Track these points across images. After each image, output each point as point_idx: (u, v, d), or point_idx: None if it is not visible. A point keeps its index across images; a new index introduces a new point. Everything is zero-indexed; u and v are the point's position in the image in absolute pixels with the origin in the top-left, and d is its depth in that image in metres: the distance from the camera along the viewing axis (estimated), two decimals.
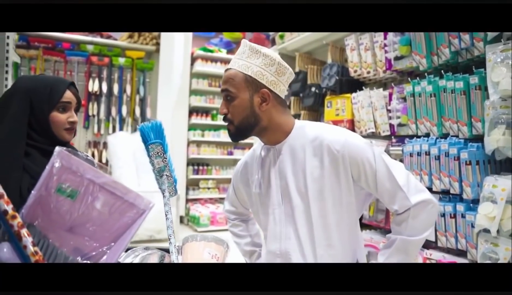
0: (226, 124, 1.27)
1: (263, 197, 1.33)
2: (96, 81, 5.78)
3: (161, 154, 1.21)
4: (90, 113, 5.79)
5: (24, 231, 0.65)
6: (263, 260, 1.47)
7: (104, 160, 5.81)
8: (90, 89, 5.73)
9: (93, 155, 5.77)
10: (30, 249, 0.65)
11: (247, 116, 1.23)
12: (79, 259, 0.85)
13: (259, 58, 1.22)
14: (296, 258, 1.24)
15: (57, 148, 0.82)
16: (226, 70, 1.27)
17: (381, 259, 1.24)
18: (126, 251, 1.07)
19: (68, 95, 1.34)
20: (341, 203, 1.23)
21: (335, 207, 1.22)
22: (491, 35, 1.69)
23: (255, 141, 1.41)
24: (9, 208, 0.65)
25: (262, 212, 1.36)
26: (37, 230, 0.78)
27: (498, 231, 1.64)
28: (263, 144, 1.34)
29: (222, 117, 1.28)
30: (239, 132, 1.25)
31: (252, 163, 1.40)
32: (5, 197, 0.65)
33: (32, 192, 0.79)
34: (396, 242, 1.21)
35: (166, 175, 1.23)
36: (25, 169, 1.19)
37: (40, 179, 0.80)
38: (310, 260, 1.23)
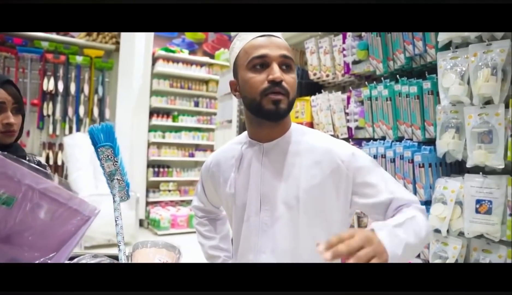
0: (278, 95, 1.02)
1: (238, 200, 1.16)
2: (52, 79, 5.55)
3: (111, 157, 1.16)
4: (45, 113, 5.55)
5: None
6: None
7: (59, 163, 5.59)
8: (45, 88, 5.49)
9: (48, 157, 5.54)
10: None
11: (295, 95, 1.08)
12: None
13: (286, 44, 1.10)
14: None
15: None
16: (276, 36, 1.08)
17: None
18: (72, 259, 1.01)
19: (2, 94, 1.24)
20: (333, 220, 1.08)
21: (326, 223, 1.08)
22: (441, 42, 1.75)
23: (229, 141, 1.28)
24: None
25: (234, 217, 1.19)
26: None
27: (447, 231, 1.70)
28: (246, 139, 1.18)
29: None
30: (289, 108, 1.06)
31: (227, 160, 1.22)
32: None
33: None
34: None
35: (117, 179, 1.18)
36: None
37: None
38: None
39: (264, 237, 1.09)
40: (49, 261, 0.83)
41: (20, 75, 5.39)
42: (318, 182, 1.06)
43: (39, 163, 1.35)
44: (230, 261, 1.34)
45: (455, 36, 1.71)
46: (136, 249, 1.03)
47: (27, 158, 1.34)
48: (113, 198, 1.15)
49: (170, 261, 0.98)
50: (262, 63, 1.04)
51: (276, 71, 1.01)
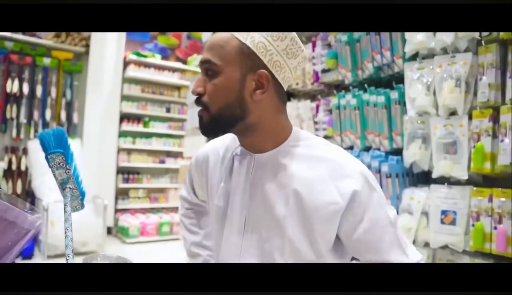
0: (199, 108, 0.90)
1: (222, 216, 0.99)
2: (16, 81, 5.33)
3: (63, 164, 1.09)
4: (8, 116, 5.32)
5: None
6: None
7: (23, 167, 5.37)
8: (8, 90, 5.27)
9: (10, 161, 5.31)
10: None
11: (231, 103, 0.86)
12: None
13: None
14: None
15: None
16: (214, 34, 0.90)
17: None
18: None
19: None
20: (317, 254, 0.89)
21: (311, 255, 0.89)
22: (408, 53, 1.76)
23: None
24: None
25: (215, 231, 1.03)
26: None
27: (414, 242, 1.70)
28: (238, 144, 0.99)
29: (194, 98, 0.90)
30: (215, 124, 0.89)
31: (217, 161, 1.04)
32: None
33: None
34: None
35: (70, 187, 1.11)
36: None
37: None
38: None
39: (244, 259, 0.94)
40: None
41: None
42: (304, 212, 0.87)
43: None
44: (212, 261, 1.18)
45: (422, 47, 1.73)
46: (85, 263, 0.96)
47: None
48: (64, 208, 1.08)
49: None
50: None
51: (194, 84, 0.89)
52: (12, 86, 5.29)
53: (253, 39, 0.86)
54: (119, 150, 6.09)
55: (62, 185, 1.11)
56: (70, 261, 0.96)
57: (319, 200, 0.86)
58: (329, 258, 0.91)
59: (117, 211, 6.08)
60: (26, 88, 5.39)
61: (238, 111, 0.87)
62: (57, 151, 1.07)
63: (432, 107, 1.68)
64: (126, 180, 6.13)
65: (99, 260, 0.94)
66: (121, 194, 6.14)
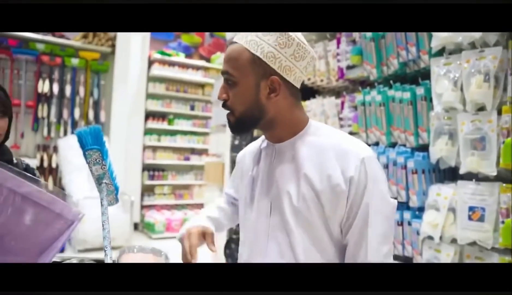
0: (226, 113, 1.05)
1: (251, 202, 1.11)
2: (47, 81, 5.52)
3: (99, 160, 1.14)
4: (40, 115, 5.52)
5: None
6: None
7: (54, 165, 5.55)
8: (40, 90, 5.46)
9: (42, 159, 5.50)
10: None
11: (250, 107, 1.00)
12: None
13: (274, 35, 0.97)
14: None
15: None
16: (230, 43, 1.03)
17: None
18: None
19: None
20: (331, 235, 0.99)
21: (325, 232, 0.99)
22: (435, 48, 1.75)
23: None
24: None
25: (244, 217, 1.14)
26: None
27: (440, 238, 1.69)
28: (264, 138, 1.14)
29: (221, 102, 1.04)
30: (241, 124, 1.03)
31: (249, 156, 1.18)
32: None
33: None
34: None
35: (106, 182, 1.16)
36: None
37: None
38: None
39: (271, 240, 1.03)
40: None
41: (15, 77, 5.36)
42: (314, 194, 0.97)
43: (27, 167, 1.33)
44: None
45: (448, 42, 1.71)
46: (122, 254, 1.01)
47: (15, 162, 1.32)
48: (101, 202, 1.13)
49: None
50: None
51: (218, 91, 1.04)
52: (43, 87, 5.48)
53: (263, 50, 0.97)
54: (145, 147, 6.22)
55: (98, 180, 1.16)
56: (108, 252, 1.01)
57: (326, 183, 0.96)
58: (339, 239, 1.00)
59: (143, 207, 6.22)
60: (56, 88, 5.58)
61: (257, 112, 1.01)
62: (94, 147, 1.13)
63: (459, 103, 1.67)
64: (152, 177, 6.26)
65: (135, 251, 0.99)
66: (147, 190, 6.27)
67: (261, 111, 1.01)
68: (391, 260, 0.99)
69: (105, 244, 1.05)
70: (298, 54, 0.99)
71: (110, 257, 1.00)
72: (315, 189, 0.97)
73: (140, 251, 1.00)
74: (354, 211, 0.96)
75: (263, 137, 1.16)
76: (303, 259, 0.98)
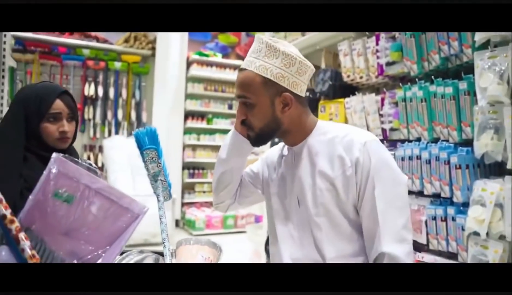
0: (246, 129, 1.19)
1: (279, 199, 1.26)
2: (92, 85, 5.81)
3: (155, 159, 1.23)
4: (86, 117, 5.81)
5: (22, 235, 0.68)
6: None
7: (99, 164, 5.82)
8: (86, 93, 5.75)
9: (88, 158, 5.78)
10: (27, 253, 0.67)
11: (268, 122, 1.14)
12: (74, 262, 0.87)
13: (278, 58, 1.10)
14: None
15: (54, 154, 0.84)
16: (241, 70, 1.16)
17: None
18: (121, 254, 1.09)
19: (58, 105, 1.32)
20: (350, 220, 1.12)
21: (342, 217, 1.12)
22: (479, 41, 1.73)
23: None
24: (8, 212, 0.67)
25: (275, 214, 1.26)
26: (34, 234, 0.80)
27: (487, 234, 1.67)
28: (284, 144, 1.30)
29: (240, 121, 1.19)
30: (260, 138, 1.19)
31: (274, 159, 1.32)
32: (4, 202, 0.67)
33: (30, 197, 0.81)
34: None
35: (161, 179, 1.26)
36: (20, 173, 1.21)
37: (37, 184, 0.82)
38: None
39: (305, 231, 1.16)
40: (103, 255, 0.90)
41: (64, 82, 5.67)
42: (329, 184, 1.11)
43: (89, 166, 1.44)
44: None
45: (494, 35, 1.68)
46: (179, 246, 1.09)
47: (79, 162, 1.43)
48: (158, 198, 1.22)
49: (211, 257, 1.04)
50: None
51: (237, 113, 1.19)
52: (89, 90, 5.76)
53: (272, 72, 1.10)
54: (185, 146, 6.40)
55: (154, 178, 1.25)
56: (166, 244, 1.10)
57: (337, 170, 1.10)
58: (358, 220, 1.12)
59: (183, 204, 6.40)
60: (100, 91, 5.85)
61: (274, 125, 1.16)
62: (151, 147, 1.22)
63: (505, 96, 1.64)
64: (192, 175, 6.43)
65: (192, 243, 1.07)
66: (187, 188, 6.45)
67: (277, 124, 1.15)
68: (409, 231, 1.09)
69: (163, 237, 1.14)
70: (301, 69, 1.13)
71: (169, 248, 1.08)
72: (330, 179, 1.11)
73: (196, 243, 1.07)
74: (363, 190, 1.08)
75: (282, 143, 1.32)
76: (325, 249, 1.11)
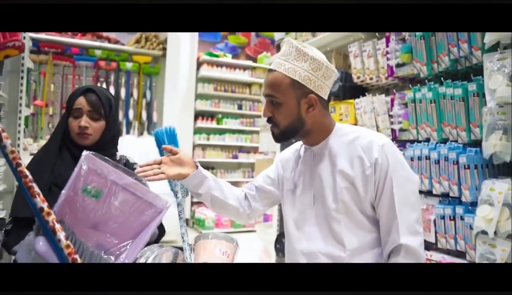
0: (270, 127, 1.26)
1: (295, 196, 1.33)
2: (104, 85, 5.89)
3: None
4: None
5: (58, 226, 0.73)
6: (286, 259, 1.39)
7: None
8: None
9: None
10: (63, 242, 0.73)
11: (293, 121, 1.21)
12: (102, 254, 0.92)
13: (307, 62, 1.18)
14: (322, 259, 1.22)
15: (85, 152, 0.90)
16: (270, 71, 1.23)
17: None
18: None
19: (79, 101, 1.39)
20: (368, 216, 1.21)
21: (362, 217, 1.21)
22: (488, 44, 1.76)
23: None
24: (45, 205, 0.73)
25: (291, 210, 1.34)
26: (66, 226, 0.85)
27: (495, 233, 1.70)
28: (302, 144, 1.36)
29: (265, 119, 1.26)
30: (284, 135, 1.25)
31: (289, 159, 1.40)
32: (41, 196, 0.73)
33: (62, 191, 0.87)
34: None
35: None
36: (52, 169, 1.29)
37: (69, 180, 0.88)
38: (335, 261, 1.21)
39: (316, 226, 1.25)
40: (127, 247, 0.95)
41: (76, 82, 5.77)
42: (349, 183, 1.19)
43: (127, 162, 1.51)
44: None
45: (503, 37, 1.71)
46: (198, 241, 1.14)
47: (118, 158, 1.50)
48: (176, 194, 1.28)
49: (229, 251, 1.09)
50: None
51: (263, 110, 1.24)
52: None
53: (300, 74, 1.18)
54: (194, 146, 6.46)
55: None
56: (185, 238, 1.15)
57: (357, 169, 1.18)
58: (373, 215, 1.21)
59: (193, 204, 6.46)
60: (112, 91, 5.93)
61: (298, 124, 1.22)
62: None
63: None
64: None
65: (210, 238, 1.12)
66: None
67: (301, 123, 1.22)
68: (421, 225, 1.19)
69: (182, 232, 1.20)
70: (326, 74, 1.21)
71: (188, 242, 1.14)
72: (350, 178, 1.19)
73: (214, 238, 1.12)
74: (382, 188, 1.17)
75: (299, 143, 1.40)
76: (345, 240, 1.19)
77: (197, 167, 1.31)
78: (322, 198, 1.24)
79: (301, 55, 1.18)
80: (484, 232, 1.75)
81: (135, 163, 1.48)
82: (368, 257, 1.20)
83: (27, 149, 3.43)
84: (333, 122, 1.30)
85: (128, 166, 1.33)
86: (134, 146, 5.37)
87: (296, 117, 1.21)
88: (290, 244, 1.33)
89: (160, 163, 1.21)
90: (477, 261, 1.78)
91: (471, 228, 1.83)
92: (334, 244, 1.21)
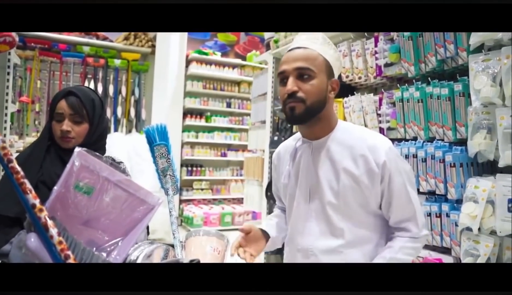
0: (291, 103, 1.19)
1: (290, 189, 1.34)
2: (92, 82, 5.84)
3: (165, 155, 1.30)
4: None
5: (50, 223, 0.73)
6: (285, 257, 1.40)
7: None
8: None
9: None
10: (56, 239, 0.72)
11: (319, 99, 1.20)
12: (93, 250, 0.93)
13: (331, 50, 1.25)
14: (318, 254, 1.25)
15: (77, 148, 0.90)
16: (299, 48, 1.23)
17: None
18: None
19: (61, 105, 1.39)
20: (368, 210, 1.25)
21: (362, 211, 1.24)
22: (473, 45, 1.80)
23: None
24: (37, 202, 0.72)
25: (288, 204, 1.37)
26: (58, 222, 0.85)
27: (479, 229, 1.75)
28: (299, 137, 1.36)
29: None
30: (308, 113, 1.20)
31: (285, 153, 1.41)
32: (33, 192, 0.73)
33: (54, 188, 0.87)
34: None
35: (169, 174, 1.32)
36: (40, 167, 1.29)
37: (61, 177, 0.88)
38: (331, 257, 1.23)
39: (311, 221, 1.27)
40: (119, 244, 0.96)
41: (64, 79, 5.70)
42: (353, 181, 1.21)
43: (113, 160, 1.50)
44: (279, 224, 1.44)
45: (488, 39, 1.75)
46: (189, 237, 1.15)
47: (103, 159, 1.50)
48: (167, 192, 1.29)
49: (220, 248, 1.10)
50: (282, 78, 1.24)
51: (289, 85, 1.19)
52: (89, 87, 5.78)
53: (331, 57, 1.24)
54: (183, 144, 6.44)
55: (163, 172, 1.32)
56: (176, 235, 1.16)
57: (362, 168, 1.21)
58: (378, 215, 1.27)
59: (181, 201, 6.46)
60: (100, 88, 5.88)
61: (322, 104, 1.22)
62: (162, 143, 1.28)
63: (498, 98, 1.71)
64: (190, 173, 6.48)
65: (201, 234, 1.12)
66: (185, 185, 6.50)
67: (324, 104, 1.22)
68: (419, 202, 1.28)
69: (173, 229, 1.20)
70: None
71: (179, 239, 1.15)
72: (354, 177, 1.21)
73: (205, 234, 1.13)
74: (391, 187, 1.21)
75: (295, 136, 1.40)
76: (341, 233, 1.23)
77: (264, 232, 1.33)
78: (319, 194, 1.25)
79: (327, 43, 1.25)
80: (468, 229, 1.79)
81: (121, 162, 1.49)
82: (363, 251, 1.24)
83: (13, 146, 3.38)
84: (337, 118, 1.33)
85: (113, 166, 1.32)
86: (123, 143, 5.34)
87: (323, 96, 1.21)
88: (287, 239, 1.37)
89: (239, 246, 1.24)
90: (461, 257, 1.82)
91: (456, 225, 1.87)
92: (330, 239, 1.24)
